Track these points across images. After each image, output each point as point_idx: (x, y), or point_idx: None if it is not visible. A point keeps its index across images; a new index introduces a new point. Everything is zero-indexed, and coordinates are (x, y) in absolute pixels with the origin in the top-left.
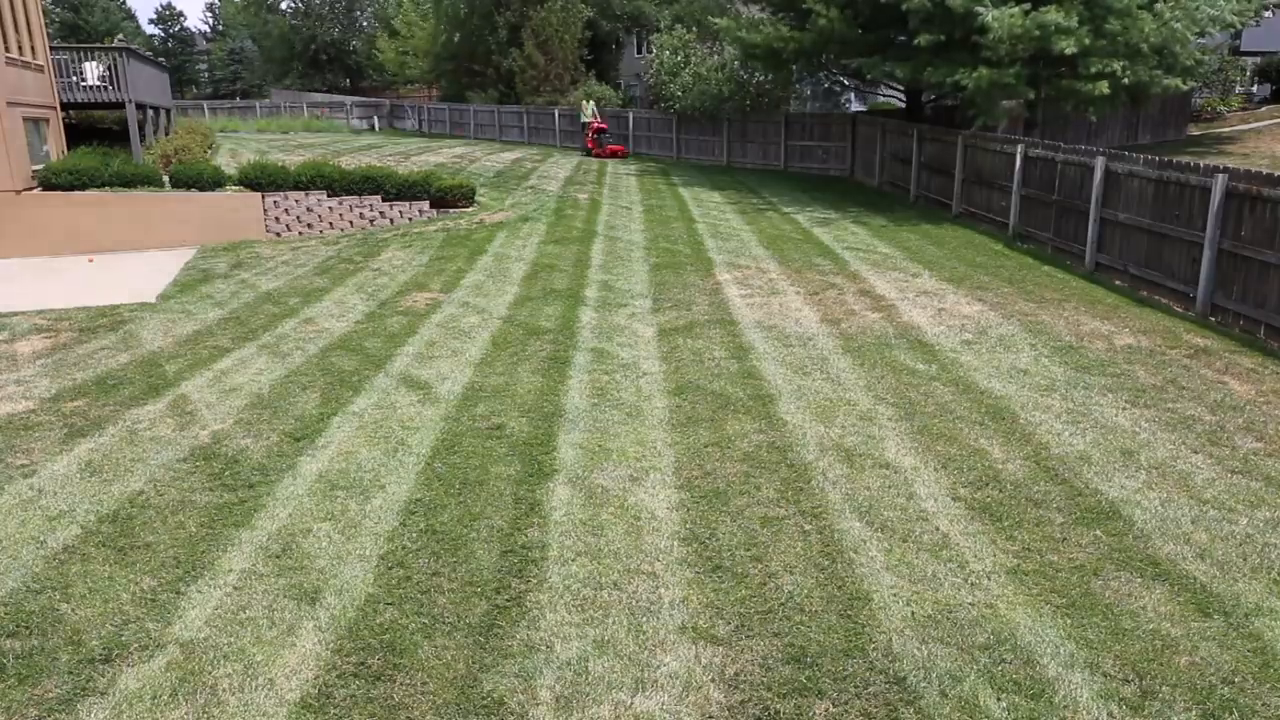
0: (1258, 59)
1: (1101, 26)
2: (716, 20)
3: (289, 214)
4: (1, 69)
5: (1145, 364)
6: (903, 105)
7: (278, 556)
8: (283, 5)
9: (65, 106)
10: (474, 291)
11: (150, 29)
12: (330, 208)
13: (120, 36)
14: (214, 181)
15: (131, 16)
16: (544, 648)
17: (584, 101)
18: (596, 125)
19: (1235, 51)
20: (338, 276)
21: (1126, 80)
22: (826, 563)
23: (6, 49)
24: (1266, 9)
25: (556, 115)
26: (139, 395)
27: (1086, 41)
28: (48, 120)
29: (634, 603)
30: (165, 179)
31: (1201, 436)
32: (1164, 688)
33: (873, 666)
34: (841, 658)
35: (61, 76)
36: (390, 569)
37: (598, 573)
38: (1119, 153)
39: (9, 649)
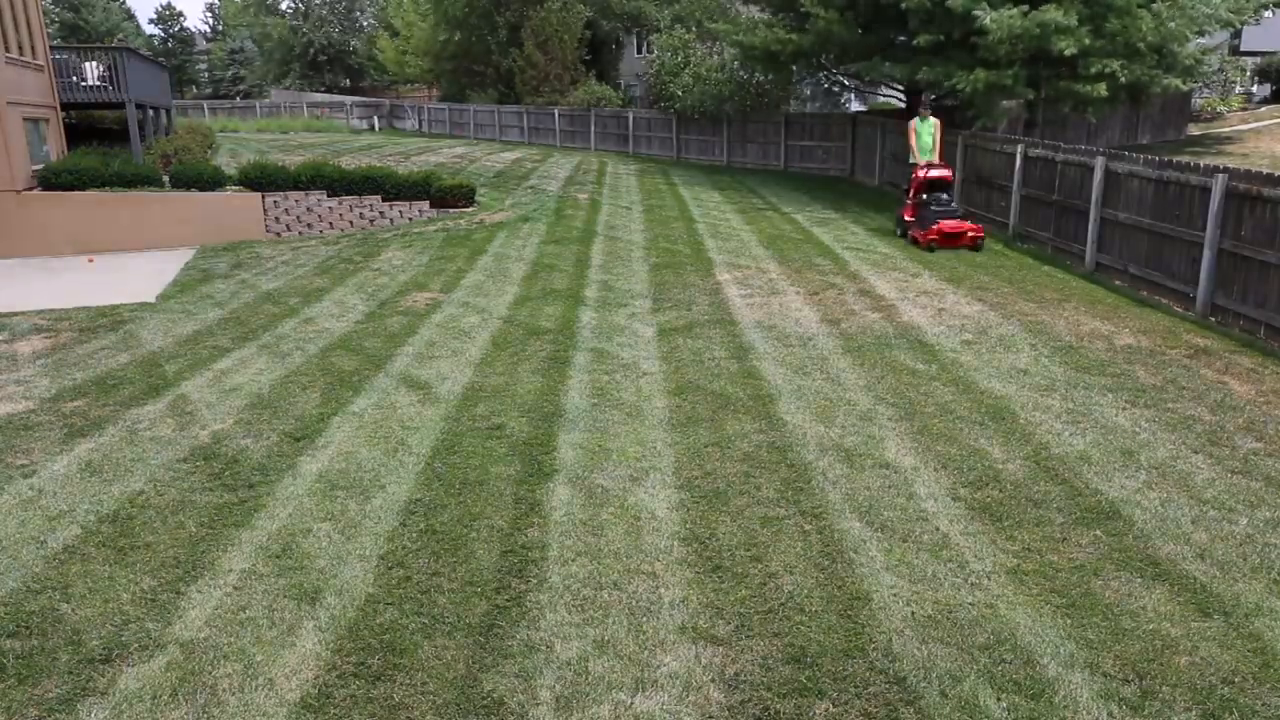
0: (1258, 59)
1: (1101, 26)
2: (712, 24)
3: (289, 214)
4: (1, 69)
5: (1145, 364)
6: (903, 105)
7: (278, 556)
8: (283, 5)
9: (65, 106)
10: (474, 291)
11: (150, 29)
12: (330, 208)
13: (120, 36)
14: (214, 181)
15: (131, 16)
16: (544, 648)
17: (917, 120)
18: (930, 173)
19: (1235, 51)
20: (338, 276)
21: (1125, 80)
22: (826, 563)
23: (6, 49)
24: (1265, 8)
25: (556, 115)
26: (139, 395)
27: (1086, 41)
28: (48, 120)
29: (634, 603)
30: (165, 179)
31: (1201, 436)
32: (1164, 688)
33: (873, 666)
34: (841, 658)
35: (61, 76)
36: (390, 569)
37: (598, 573)
38: (1119, 152)
39: (9, 649)
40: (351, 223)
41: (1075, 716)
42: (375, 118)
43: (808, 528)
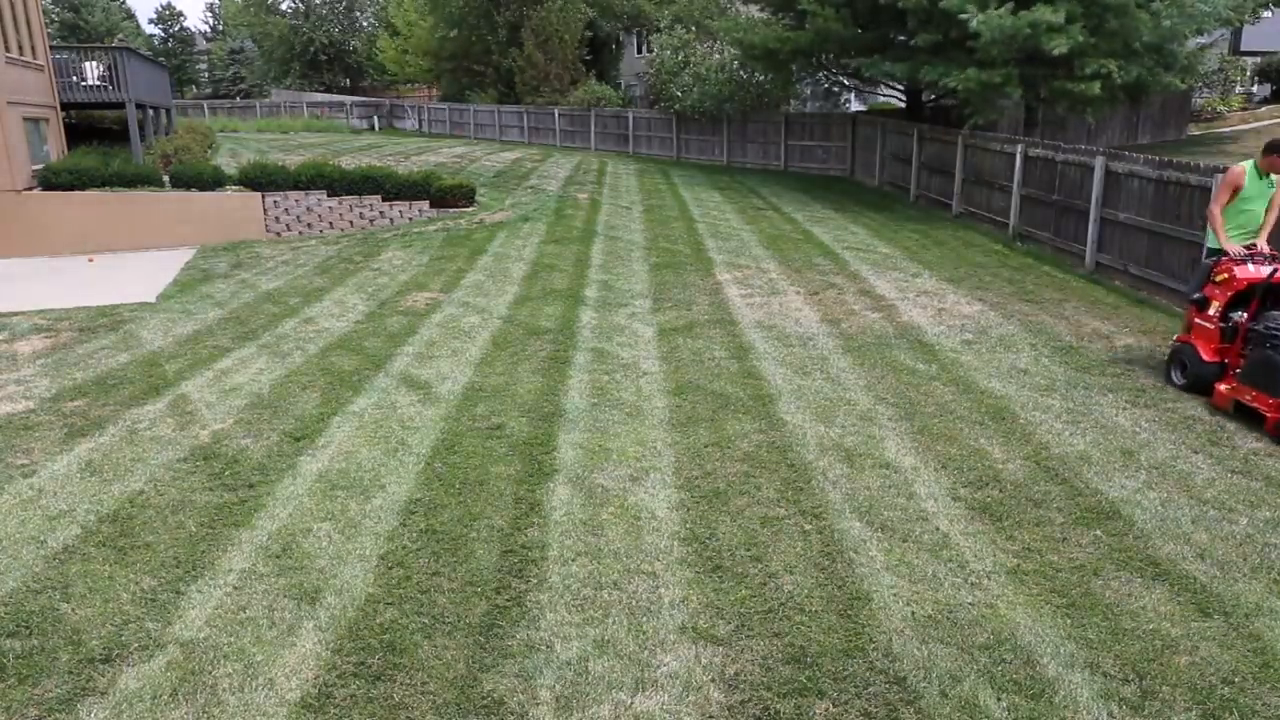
0: (1258, 59)
1: (1098, 25)
2: (712, 22)
3: (289, 214)
4: (1, 69)
5: (1145, 364)
6: (903, 105)
7: (278, 556)
8: (283, 5)
9: (65, 106)
10: (474, 291)
11: (150, 29)
12: (330, 208)
13: (120, 36)
14: (214, 181)
15: (131, 16)
16: (544, 648)
17: (1247, 170)
18: (1265, 272)
19: (1235, 51)
20: (338, 276)
21: (1122, 79)
22: (826, 563)
23: (6, 49)
24: (1265, 7)
25: (556, 115)
26: (139, 395)
27: (1080, 39)
28: (48, 120)
29: (634, 603)
30: (165, 179)
31: (1201, 436)
32: (1164, 688)
33: (873, 666)
34: (841, 658)
35: (61, 76)
36: (390, 569)
37: (598, 573)
38: (1119, 152)
39: (9, 649)
40: (351, 223)
41: (1075, 716)
42: (375, 118)
43: (808, 528)
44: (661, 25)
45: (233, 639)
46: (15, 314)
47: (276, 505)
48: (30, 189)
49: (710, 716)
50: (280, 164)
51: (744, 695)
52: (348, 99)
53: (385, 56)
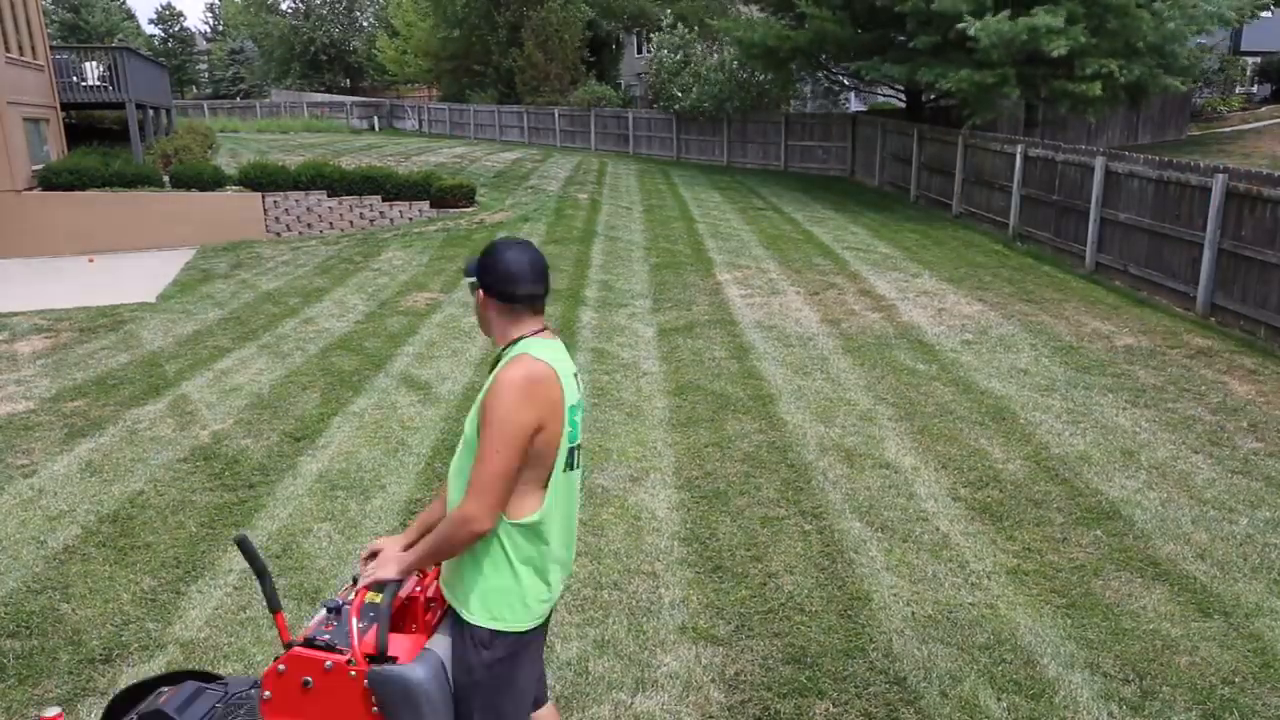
0: (1258, 59)
1: (1100, 25)
2: (712, 22)
3: (289, 214)
4: (1, 69)
5: (1145, 364)
6: (902, 105)
7: (278, 556)
8: (283, 5)
9: (65, 106)
10: None
11: (150, 29)
12: (330, 208)
13: (120, 36)
14: (214, 181)
15: (131, 16)
16: (544, 647)
17: None
18: None
19: (1235, 51)
20: (338, 276)
21: (1123, 79)
22: (826, 563)
23: (6, 49)
24: (1265, 7)
25: (556, 115)
26: (139, 395)
27: (1080, 40)
28: (48, 120)
29: (634, 603)
30: (165, 179)
31: (1202, 436)
32: (1164, 688)
33: (873, 666)
34: (841, 658)
35: (61, 76)
36: None
37: (598, 573)
38: (1119, 152)
39: (9, 649)
40: (351, 223)
41: (1075, 716)
42: (375, 118)
43: (808, 528)
44: (662, 25)
45: (233, 639)
46: (15, 314)
47: (276, 505)
48: (30, 189)
49: (710, 716)
50: (280, 164)
51: (744, 695)
52: (348, 99)
53: (385, 57)
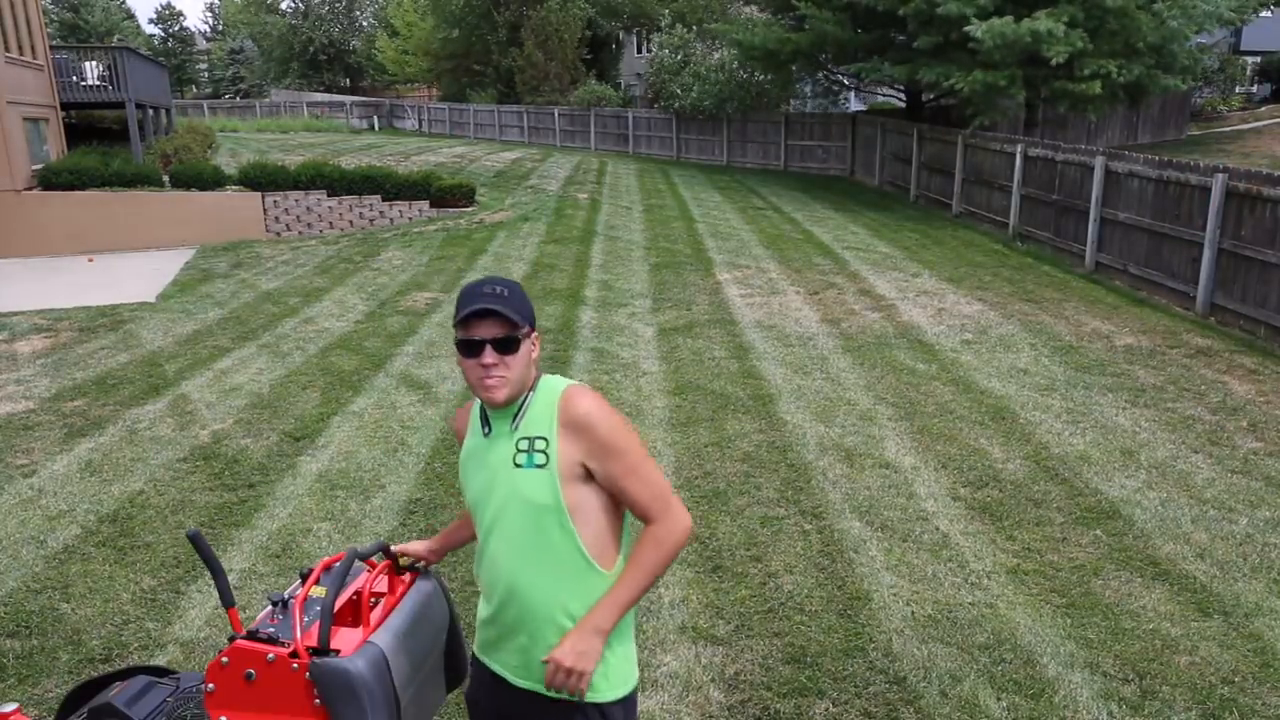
0: (1258, 58)
1: (1099, 27)
2: (711, 25)
3: (289, 214)
4: (1, 69)
5: (1145, 364)
6: (903, 105)
7: (278, 556)
8: (283, 5)
9: (65, 106)
10: None
11: (150, 29)
12: (330, 207)
13: (120, 36)
14: (214, 181)
15: (131, 16)
16: None
17: None
18: None
19: (1235, 51)
20: (338, 276)
21: (1123, 79)
22: (826, 563)
23: (6, 49)
24: (1265, 7)
25: (556, 115)
26: (139, 395)
27: (1079, 44)
28: (48, 120)
29: None
30: (165, 179)
31: (1201, 436)
32: (1164, 688)
33: (873, 666)
34: (841, 658)
35: (61, 76)
36: None
37: None
38: (1119, 152)
39: (9, 649)
40: (351, 222)
41: (1075, 716)
42: (375, 117)
43: (808, 527)
44: (662, 24)
45: None
46: (15, 314)
47: (276, 505)
48: (30, 189)
49: (710, 716)
50: (280, 164)
51: (744, 695)
52: (347, 99)
53: (385, 56)
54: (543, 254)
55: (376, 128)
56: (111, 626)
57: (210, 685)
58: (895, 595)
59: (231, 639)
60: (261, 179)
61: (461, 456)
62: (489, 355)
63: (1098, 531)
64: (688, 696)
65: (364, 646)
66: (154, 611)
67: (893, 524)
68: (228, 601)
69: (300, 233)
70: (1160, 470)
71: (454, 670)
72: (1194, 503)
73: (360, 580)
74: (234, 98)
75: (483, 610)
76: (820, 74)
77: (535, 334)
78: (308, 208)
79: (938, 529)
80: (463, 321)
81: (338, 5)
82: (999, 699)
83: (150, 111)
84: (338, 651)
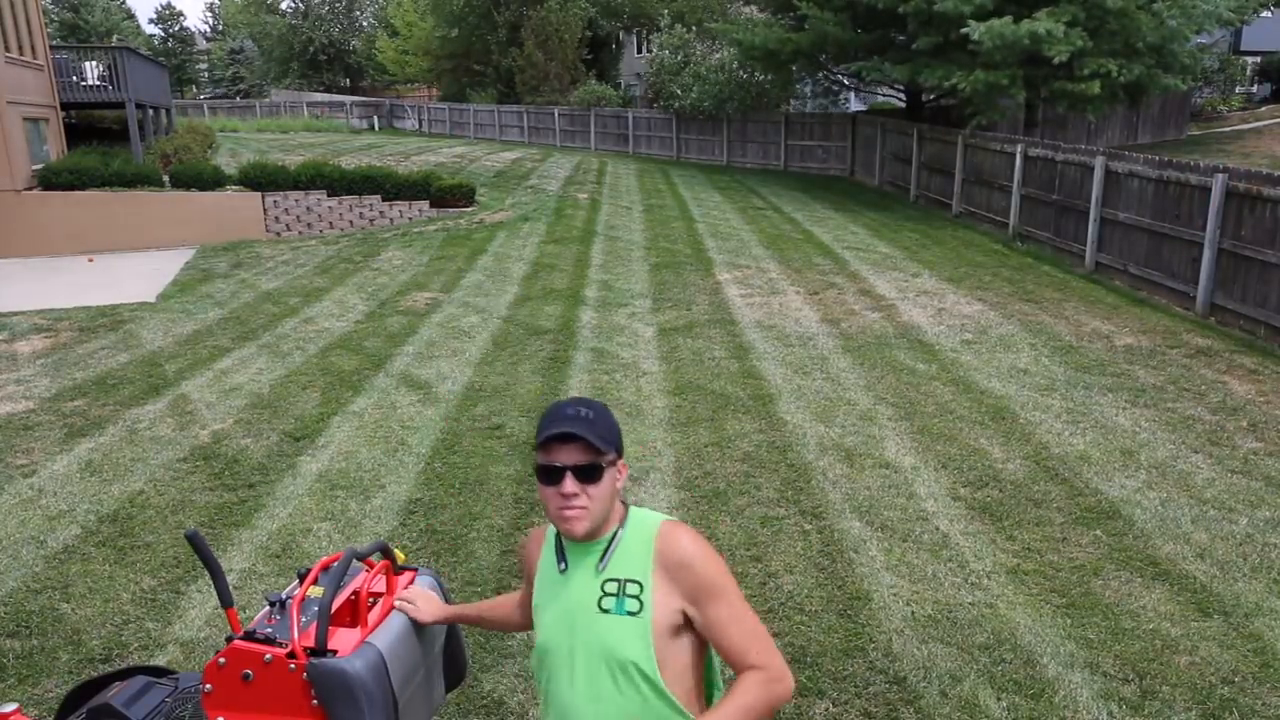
0: (1258, 58)
1: (1099, 27)
2: (711, 25)
3: (289, 214)
4: (1, 69)
5: (1145, 364)
6: (903, 105)
7: (278, 556)
8: (283, 5)
9: (65, 106)
10: (474, 291)
11: (150, 29)
12: (330, 207)
13: (120, 36)
14: (214, 181)
15: (131, 16)
16: None
17: None
18: None
19: (1235, 51)
20: (338, 276)
21: (1123, 79)
22: (826, 563)
23: (6, 49)
24: (1265, 7)
25: (556, 115)
26: (139, 395)
27: (1078, 44)
28: (48, 120)
29: None
30: (165, 179)
31: (1201, 436)
32: (1164, 688)
33: (872, 666)
34: (841, 658)
35: (61, 76)
36: None
37: None
38: (1119, 152)
39: (9, 649)
40: (351, 222)
41: (1075, 716)
42: (375, 117)
43: (808, 528)
44: (662, 24)
45: None
46: (15, 314)
47: (276, 505)
48: (30, 189)
49: None
50: (280, 164)
51: None
52: (347, 99)
53: (385, 56)
54: (543, 254)
55: (376, 128)
56: (111, 626)
57: (208, 686)
58: (895, 595)
59: (229, 639)
60: (261, 179)
61: (534, 592)
62: (569, 484)
63: (1098, 531)
64: None
65: (362, 647)
66: (154, 611)
67: (893, 524)
68: (226, 602)
69: (300, 233)
70: (1160, 470)
71: (453, 670)
72: (1194, 503)
73: (358, 580)
74: (234, 98)
75: None
76: (820, 74)
77: (622, 462)
78: (308, 208)
79: (938, 529)
80: (543, 445)
81: (338, 5)
82: (999, 699)
83: (150, 111)
84: (335, 652)
